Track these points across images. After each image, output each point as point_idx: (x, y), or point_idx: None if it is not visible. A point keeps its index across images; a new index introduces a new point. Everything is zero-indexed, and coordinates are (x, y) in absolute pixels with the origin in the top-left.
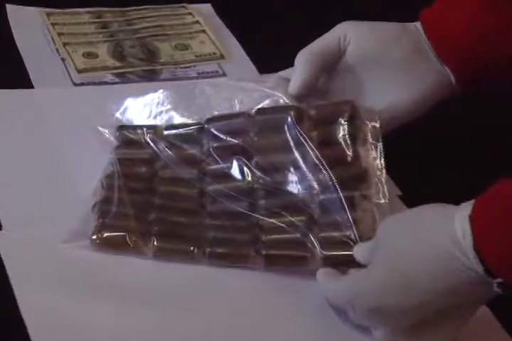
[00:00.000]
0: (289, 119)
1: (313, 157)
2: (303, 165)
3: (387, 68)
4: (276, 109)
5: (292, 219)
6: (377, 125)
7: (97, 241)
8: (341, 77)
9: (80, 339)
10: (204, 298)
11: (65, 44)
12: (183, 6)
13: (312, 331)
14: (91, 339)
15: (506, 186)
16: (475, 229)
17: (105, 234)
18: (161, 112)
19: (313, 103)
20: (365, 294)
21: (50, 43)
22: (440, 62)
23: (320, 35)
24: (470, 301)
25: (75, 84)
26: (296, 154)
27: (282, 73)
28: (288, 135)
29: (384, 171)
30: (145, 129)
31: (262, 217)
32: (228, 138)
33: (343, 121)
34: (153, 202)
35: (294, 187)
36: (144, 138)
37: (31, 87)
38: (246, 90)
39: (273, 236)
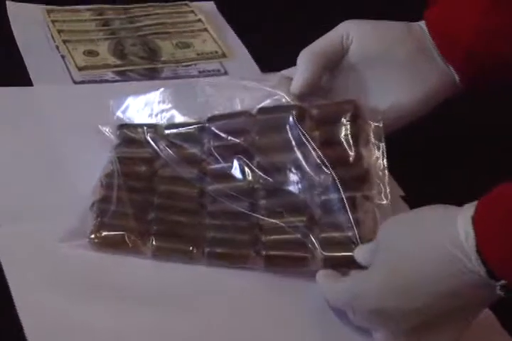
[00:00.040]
0: (291, 119)
1: (315, 157)
2: (304, 165)
3: (390, 67)
4: (278, 109)
5: (293, 219)
6: (380, 125)
7: (96, 241)
8: (344, 76)
9: (78, 339)
10: (203, 298)
11: (65, 41)
12: (186, 4)
13: (312, 332)
14: (89, 339)
15: (509, 187)
16: (478, 230)
17: (104, 233)
18: (162, 111)
19: (316, 102)
20: (365, 296)
21: (50, 40)
22: (444, 61)
23: (322, 35)
24: (473, 304)
25: (75, 82)
26: (298, 154)
27: (285, 72)
28: (289, 134)
29: (386, 172)
30: (145, 128)
31: (262, 217)
32: (229, 138)
33: (345, 121)
34: (153, 202)
35: (295, 187)
36: (145, 137)
37: (31, 84)
38: (248, 89)
39: (273, 237)
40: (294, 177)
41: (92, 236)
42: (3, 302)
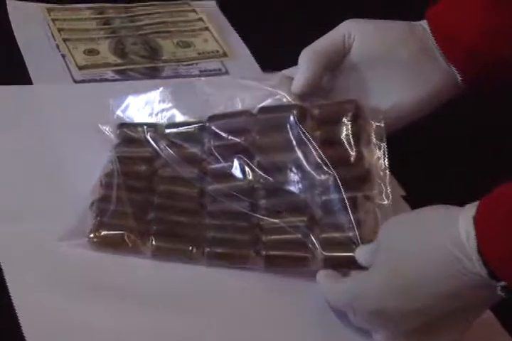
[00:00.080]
0: (292, 118)
1: (316, 157)
2: (305, 165)
3: (392, 67)
4: (278, 108)
5: (293, 219)
6: (382, 125)
7: (95, 240)
8: (345, 75)
9: (77, 338)
10: (203, 298)
11: (65, 40)
12: (187, 3)
13: (312, 332)
14: (88, 338)
15: (511, 188)
16: (479, 231)
17: (103, 233)
18: (162, 110)
19: (317, 102)
20: (365, 296)
21: (50, 39)
22: (446, 61)
23: (322, 35)
24: (473, 304)
25: (76, 81)
26: (299, 154)
27: (286, 72)
28: (290, 134)
29: (388, 172)
30: (146, 127)
31: (262, 217)
32: (230, 137)
33: (346, 121)
34: (153, 201)
35: (296, 187)
36: (145, 136)
37: (31, 83)
38: (248, 88)
39: (273, 237)
40: (294, 177)
41: (92, 235)
42: (3, 302)
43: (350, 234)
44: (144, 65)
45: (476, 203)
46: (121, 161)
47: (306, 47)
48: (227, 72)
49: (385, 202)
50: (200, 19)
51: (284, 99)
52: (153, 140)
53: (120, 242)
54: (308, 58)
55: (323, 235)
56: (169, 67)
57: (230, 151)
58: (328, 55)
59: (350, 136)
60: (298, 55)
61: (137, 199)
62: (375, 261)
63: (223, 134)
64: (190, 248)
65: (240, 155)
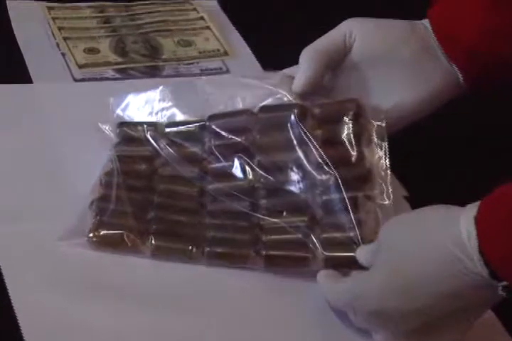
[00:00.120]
0: (293, 117)
1: (317, 156)
2: (306, 165)
3: (394, 67)
4: (279, 107)
5: (294, 219)
6: (383, 124)
7: (94, 239)
8: (346, 75)
9: (77, 338)
10: (203, 298)
11: (65, 39)
12: (188, 2)
13: (312, 333)
14: (87, 338)
15: None
16: (480, 230)
17: (102, 232)
18: (163, 109)
19: (318, 101)
20: (366, 296)
21: (50, 38)
22: (448, 59)
23: (322, 34)
24: (474, 304)
25: (76, 80)
26: (299, 153)
27: (287, 71)
28: (291, 133)
29: (389, 172)
30: (146, 126)
31: (263, 217)
32: (230, 136)
33: (347, 120)
34: (153, 201)
35: (296, 186)
36: (145, 136)
37: (31, 82)
38: (249, 87)
39: (274, 237)
40: (295, 176)
41: (91, 234)
42: (2, 302)
43: (351, 234)
44: (145, 64)
45: (477, 203)
46: (121, 160)
47: (307, 46)
48: (228, 71)
49: (386, 202)
50: (201, 18)
51: (285, 98)
52: (153, 139)
53: (119, 242)
54: (310, 57)
55: (324, 235)
56: (170, 65)
57: (231, 150)
58: (329, 54)
59: (352, 135)
60: (298, 54)
61: (137, 199)
62: (375, 261)
63: (224, 133)
64: (190, 247)
65: (240, 154)
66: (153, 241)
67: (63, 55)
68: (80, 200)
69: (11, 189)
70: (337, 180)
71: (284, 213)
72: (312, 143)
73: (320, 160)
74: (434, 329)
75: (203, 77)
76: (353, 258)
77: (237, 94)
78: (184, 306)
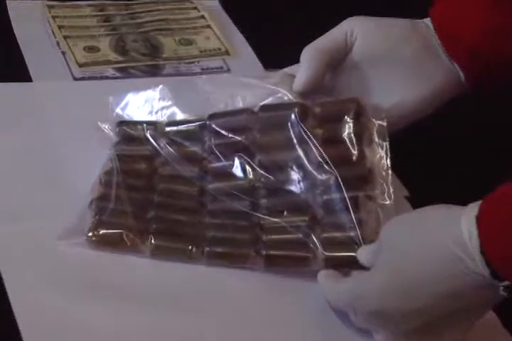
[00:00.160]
0: (293, 116)
1: (317, 155)
2: (306, 164)
3: (395, 65)
4: (280, 106)
5: (294, 218)
6: (384, 123)
7: (93, 239)
8: (347, 74)
9: (76, 338)
10: (203, 297)
11: (65, 37)
12: (188, 0)
13: (313, 333)
14: (87, 338)
15: None
16: (482, 230)
17: (101, 232)
18: (163, 108)
19: (319, 100)
20: (366, 296)
21: (50, 36)
22: (449, 58)
23: (322, 34)
24: (475, 304)
25: (76, 79)
26: (300, 152)
27: (287, 69)
28: (291, 133)
29: (390, 171)
30: (145, 125)
31: (263, 217)
32: (230, 135)
33: (348, 119)
34: (152, 200)
35: (297, 186)
36: (145, 135)
37: (30, 80)
38: (250, 86)
39: (274, 236)
40: (295, 175)
41: (90, 234)
42: (2, 307)
43: (352, 233)
44: (145, 63)
45: (479, 203)
46: (120, 159)
47: (308, 45)
48: (229, 70)
49: (387, 202)
50: (202, 17)
51: (286, 97)
52: (153, 138)
53: (119, 241)
54: (310, 56)
55: (325, 235)
56: (170, 64)
57: (231, 150)
58: (330, 53)
59: (352, 134)
60: (299, 53)
61: (137, 198)
62: (376, 261)
63: (224, 132)
64: (190, 247)
65: (240, 153)
66: (152, 241)
67: (63, 53)
68: (80, 199)
69: (11, 189)
70: (337, 179)
71: (285, 213)
72: (313, 142)
73: (320, 160)
74: (435, 329)
75: (203, 76)
76: (354, 258)
77: (238, 93)
78: (184, 306)
